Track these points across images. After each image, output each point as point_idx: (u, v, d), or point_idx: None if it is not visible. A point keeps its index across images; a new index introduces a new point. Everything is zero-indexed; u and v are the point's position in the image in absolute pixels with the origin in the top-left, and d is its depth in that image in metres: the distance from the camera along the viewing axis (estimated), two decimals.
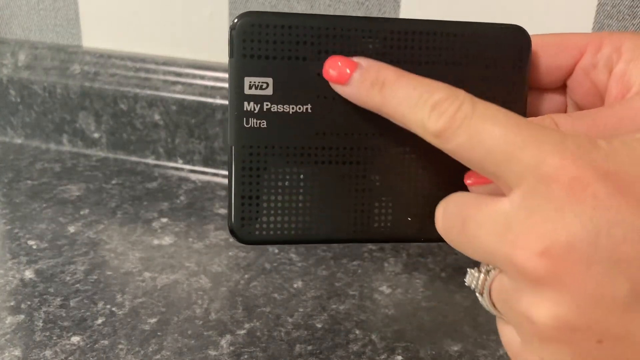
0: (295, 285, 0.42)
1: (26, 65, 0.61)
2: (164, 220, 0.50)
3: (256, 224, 0.28)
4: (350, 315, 0.39)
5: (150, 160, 0.60)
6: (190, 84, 0.57)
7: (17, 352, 0.35)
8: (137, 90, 0.57)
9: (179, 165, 0.59)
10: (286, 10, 0.54)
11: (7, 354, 0.35)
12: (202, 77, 0.57)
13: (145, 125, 0.59)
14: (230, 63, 0.27)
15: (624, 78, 0.28)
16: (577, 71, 0.29)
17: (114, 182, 0.56)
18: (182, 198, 0.53)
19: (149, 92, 0.57)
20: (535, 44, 0.29)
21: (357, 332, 0.38)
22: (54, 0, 0.60)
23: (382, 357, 0.36)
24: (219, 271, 0.43)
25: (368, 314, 0.39)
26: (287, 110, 0.27)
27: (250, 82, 0.27)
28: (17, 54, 0.61)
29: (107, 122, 0.60)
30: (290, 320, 0.39)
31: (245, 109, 0.27)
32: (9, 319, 0.38)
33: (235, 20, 0.27)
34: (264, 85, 0.27)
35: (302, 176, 0.28)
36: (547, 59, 0.29)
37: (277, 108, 0.27)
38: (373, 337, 0.37)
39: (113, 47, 0.61)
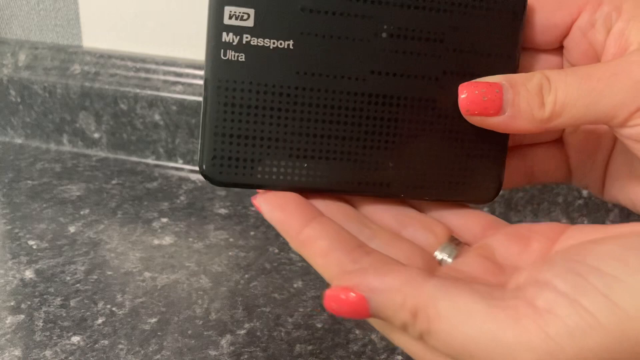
0: (295, 285, 0.42)
1: (26, 65, 0.61)
2: (164, 220, 0.50)
3: (229, 163, 0.26)
4: None
5: (151, 160, 0.60)
6: (191, 84, 0.57)
7: (17, 352, 0.35)
8: (138, 90, 0.58)
9: (179, 165, 0.59)
10: None
11: (7, 354, 0.35)
12: (202, 77, 0.57)
13: (145, 126, 0.59)
14: None
15: (622, 37, 0.27)
16: (574, 30, 0.28)
17: (114, 182, 0.56)
18: (182, 198, 0.53)
19: (149, 92, 0.57)
20: (532, 1, 0.28)
21: (357, 332, 0.38)
22: (54, 0, 0.60)
23: (382, 357, 0.36)
24: (219, 271, 0.43)
25: None
26: (268, 44, 0.26)
27: (231, 11, 0.25)
28: (17, 54, 0.61)
29: (107, 122, 0.60)
30: (290, 320, 0.39)
31: (223, 39, 0.26)
32: (9, 319, 0.38)
33: None
34: (245, 16, 0.26)
35: (279, 117, 0.26)
36: (544, 15, 0.28)
37: (257, 42, 0.26)
38: (373, 337, 0.37)
39: (113, 47, 0.61)
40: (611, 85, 0.24)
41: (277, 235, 0.48)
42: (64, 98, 0.60)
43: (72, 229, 0.48)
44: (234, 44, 0.26)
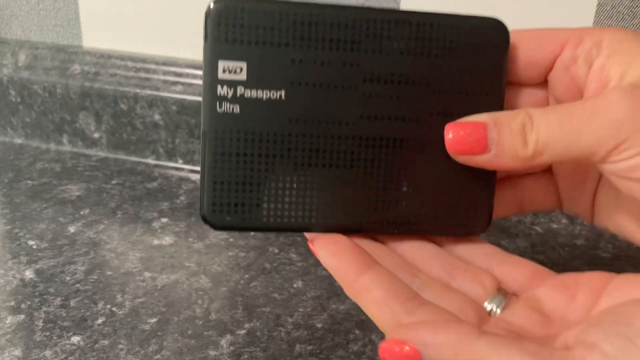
0: (295, 285, 0.42)
1: (26, 65, 0.61)
2: (164, 220, 0.50)
3: (228, 209, 0.27)
4: (350, 315, 0.39)
5: (151, 160, 0.60)
6: (190, 84, 0.57)
7: (18, 352, 0.35)
8: (137, 90, 0.58)
9: (179, 165, 0.59)
10: None
11: (7, 354, 0.35)
12: (201, 78, 0.57)
13: (145, 125, 0.59)
14: (205, 47, 0.27)
15: (603, 73, 0.27)
16: (557, 66, 0.29)
17: (114, 182, 0.56)
18: (182, 198, 0.53)
19: (149, 92, 0.57)
20: (515, 38, 0.29)
21: (357, 332, 0.38)
22: (54, 0, 0.60)
23: None
24: (219, 271, 0.43)
25: None
26: (261, 96, 0.27)
27: (224, 66, 0.27)
28: (17, 54, 0.61)
29: (107, 122, 0.60)
30: (290, 320, 0.39)
31: (218, 93, 0.27)
32: (9, 319, 0.38)
33: (211, 4, 0.26)
34: (238, 70, 0.27)
35: (274, 162, 0.27)
36: (527, 53, 0.29)
37: (251, 93, 0.27)
38: (373, 337, 0.37)
39: (113, 47, 0.61)
40: (590, 124, 0.25)
41: (277, 235, 0.48)
42: (64, 98, 0.60)
43: (72, 229, 0.48)
44: (229, 97, 0.27)
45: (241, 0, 0.26)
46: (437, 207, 0.29)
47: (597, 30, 0.28)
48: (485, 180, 0.29)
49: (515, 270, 0.29)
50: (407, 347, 0.24)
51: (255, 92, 0.27)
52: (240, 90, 0.27)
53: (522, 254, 0.47)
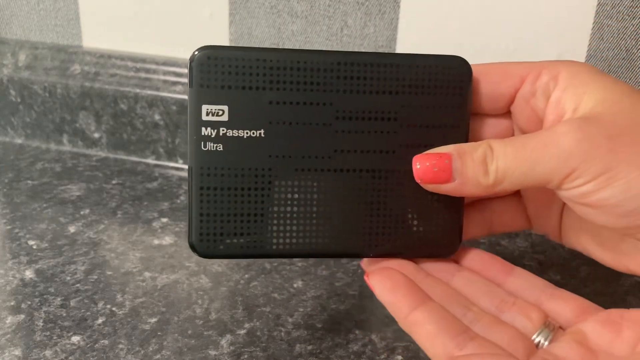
0: (295, 285, 0.42)
1: (26, 65, 0.61)
2: (164, 220, 0.50)
3: (214, 239, 0.30)
4: (350, 315, 0.39)
5: (151, 160, 0.60)
6: None
7: (18, 352, 0.35)
8: (138, 90, 0.58)
9: (180, 165, 0.59)
10: (285, 14, 0.54)
11: (7, 354, 0.35)
12: None
13: (145, 125, 0.59)
14: (190, 92, 0.29)
15: (559, 105, 0.29)
16: (518, 99, 0.31)
17: (114, 182, 0.56)
18: (182, 198, 0.53)
19: (149, 92, 0.57)
20: (477, 72, 0.31)
21: (357, 332, 0.38)
22: (54, 0, 0.60)
23: (382, 357, 0.36)
24: (219, 271, 0.43)
25: (368, 313, 0.40)
26: (242, 135, 0.29)
27: (207, 109, 0.29)
28: (17, 54, 0.61)
29: (107, 122, 0.60)
30: (290, 320, 0.39)
31: (203, 133, 0.29)
32: (10, 319, 0.38)
33: (195, 53, 0.29)
34: (220, 112, 0.29)
35: (257, 195, 0.30)
36: (489, 86, 0.31)
37: (232, 133, 0.29)
38: (373, 337, 0.37)
39: (113, 47, 0.61)
40: (543, 155, 0.27)
41: None
42: (64, 98, 0.60)
43: (72, 229, 0.48)
44: (212, 136, 0.29)
45: (222, 49, 0.29)
46: (410, 232, 0.31)
47: (555, 63, 0.30)
48: (454, 206, 0.32)
49: (563, 304, 0.30)
50: None
51: (236, 132, 0.29)
52: (222, 130, 0.29)
53: (522, 253, 0.47)
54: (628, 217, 0.26)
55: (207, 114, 0.29)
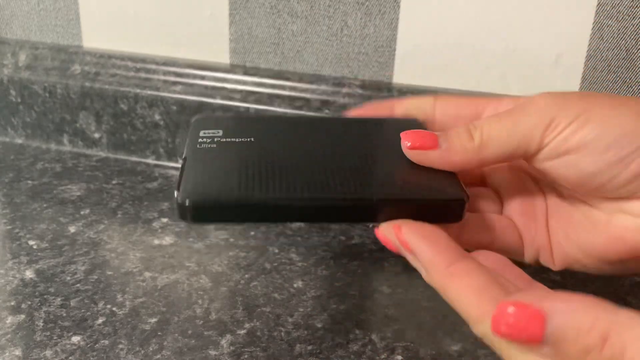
0: (295, 285, 0.42)
1: (27, 65, 0.61)
2: (165, 220, 0.50)
3: (203, 195, 0.30)
4: (350, 315, 0.39)
5: (151, 160, 0.60)
6: (191, 84, 0.57)
7: (18, 352, 0.35)
8: (138, 91, 0.58)
9: (180, 165, 0.59)
10: (285, 14, 0.54)
11: (7, 354, 0.35)
12: (203, 77, 0.57)
13: (145, 126, 0.59)
14: (187, 138, 0.35)
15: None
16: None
17: (114, 182, 0.56)
18: None
19: (149, 92, 0.57)
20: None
21: (357, 331, 0.38)
22: (55, 0, 0.60)
23: (382, 357, 0.36)
24: (219, 271, 0.43)
25: (368, 313, 0.40)
26: (234, 140, 0.34)
27: (204, 132, 0.35)
28: (17, 54, 0.61)
29: (107, 122, 0.60)
30: (290, 320, 0.39)
31: (199, 141, 0.34)
32: (10, 319, 0.38)
33: (192, 120, 0.37)
34: (215, 132, 0.35)
35: (241, 158, 0.33)
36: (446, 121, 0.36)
37: (226, 140, 0.35)
38: (373, 336, 0.37)
39: (113, 48, 0.61)
40: (523, 115, 0.30)
41: (277, 235, 0.48)
42: (64, 98, 0.60)
43: (72, 229, 0.48)
44: (207, 141, 0.34)
45: (212, 118, 0.38)
46: (415, 180, 0.32)
47: (502, 99, 0.35)
48: (450, 176, 0.32)
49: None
50: (532, 309, 0.22)
51: (229, 139, 0.34)
52: (217, 139, 0.35)
53: None
54: (608, 151, 0.28)
55: (204, 134, 0.35)
